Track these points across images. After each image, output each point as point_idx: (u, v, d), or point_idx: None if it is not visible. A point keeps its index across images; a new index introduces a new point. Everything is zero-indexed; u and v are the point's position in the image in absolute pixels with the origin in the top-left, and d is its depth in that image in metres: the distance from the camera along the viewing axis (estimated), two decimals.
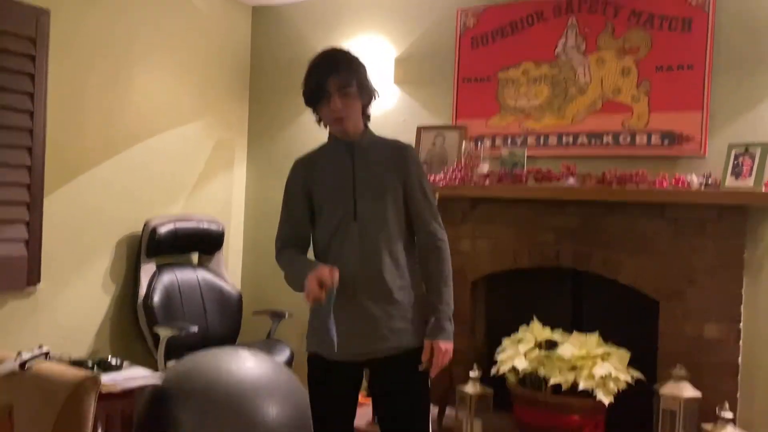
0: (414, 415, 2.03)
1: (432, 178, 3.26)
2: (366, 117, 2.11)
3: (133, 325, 3.38)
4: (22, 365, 2.21)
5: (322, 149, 2.14)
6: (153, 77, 3.55)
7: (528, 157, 3.18)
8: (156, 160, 3.57)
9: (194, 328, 3.18)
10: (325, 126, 2.09)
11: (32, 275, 2.94)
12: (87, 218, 3.23)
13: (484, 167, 3.22)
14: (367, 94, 2.05)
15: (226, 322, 3.66)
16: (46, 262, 3.01)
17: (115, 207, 3.36)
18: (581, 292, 3.20)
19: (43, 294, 3.03)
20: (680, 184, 2.76)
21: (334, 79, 1.96)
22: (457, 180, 3.18)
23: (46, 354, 2.30)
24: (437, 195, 3.10)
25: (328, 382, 2.08)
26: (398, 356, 1.99)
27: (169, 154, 3.64)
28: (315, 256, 2.09)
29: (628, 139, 3.07)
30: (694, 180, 2.76)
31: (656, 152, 3.00)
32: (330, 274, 1.89)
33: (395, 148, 2.10)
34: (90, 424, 2.16)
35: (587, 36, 3.18)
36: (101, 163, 3.30)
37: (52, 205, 3.05)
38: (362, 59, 2.07)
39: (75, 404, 2.12)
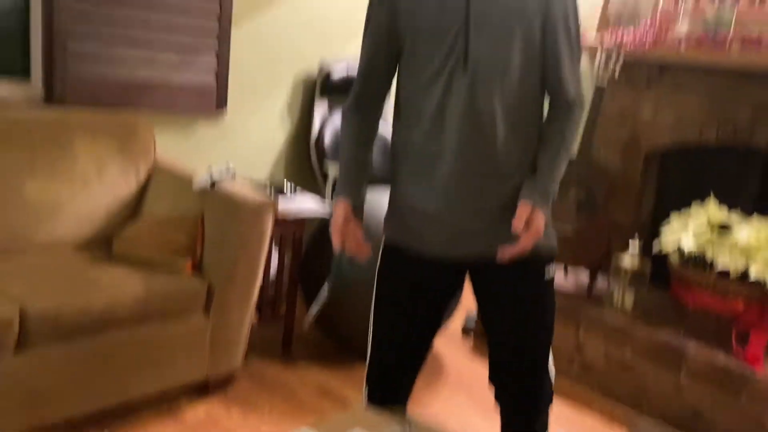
0: (535, 338, 1.56)
1: (620, 35, 3.00)
2: None
3: (305, 159, 3.59)
4: (212, 185, 2.46)
5: None
6: None
7: (737, 19, 2.80)
8: (334, 1, 3.59)
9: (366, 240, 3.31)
10: None
11: (220, 103, 3.17)
12: (268, 54, 3.37)
13: (683, 28, 2.89)
14: None
15: (388, 166, 3.78)
16: (231, 93, 3.22)
17: (294, 45, 3.46)
18: None
19: (228, 120, 3.28)
20: None
21: None
22: (647, 41, 2.90)
23: (232, 172, 2.53)
24: (620, 56, 2.86)
25: (407, 283, 1.57)
26: (518, 262, 1.47)
27: None
28: (396, 117, 1.52)
29: None
30: None
31: None
32: (342, 237, 1.44)
33: None
34: (268, 240, 2.40)
35: None
36: (284, 0, 3.38)
37: (237, 39, 3.21)
38: None
39: (256, 221, 2.35)
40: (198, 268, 2.40)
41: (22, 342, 1.94)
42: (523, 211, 1.40)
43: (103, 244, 2.51)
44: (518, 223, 1.39)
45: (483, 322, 1.63)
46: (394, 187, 1.58)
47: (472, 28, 1.35)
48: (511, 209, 1.42)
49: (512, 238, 1.43)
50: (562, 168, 1.47)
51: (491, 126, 1.40)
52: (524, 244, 1.40)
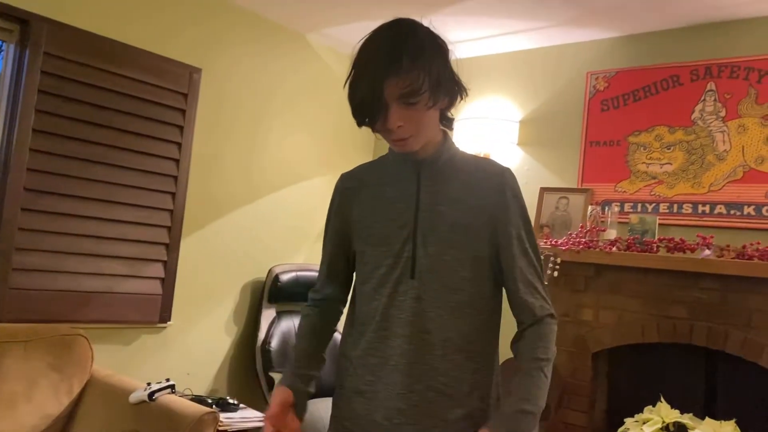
0: None
1: (554, 242, 3.18)
2: (446, 122, 1.41)
3: (251, 367, 3.48)
4: (151, 396, 2.34)
5: (378, 164, 1.48)
6: (285, 133, 3.76)
7: (659, 225, 3.03)
8: (283, 211, 3.74)
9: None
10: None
11: (165, 312, 3.13)
12: (217, 262, 3.42)
13: (611, 233, 3.10)
14: (446, 94, 1.32)
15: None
16: (177, 300, 3.20)
17: (243, 253, 3.53)
18: (716, 374, 2.95)
19: (173, 330, 3.21)
20: None
21: (394, 81, 1.24)
22: (580, 245, 3.08)
23: (172, 387, 2.42)
24: (558, 260, 3.01)
25: None
26: None
27: (296, 206, 3.80)
28: (345, 327, 1.48)
29: None
30: None
31: None
32: (275, 425, 1.29)
33: (486, 171, 1.40)
34: None
35: (727, 102, 3.03)
36: (233, 211, 3.50)
37: (187, 248, 3.26)
38: (438, 38, 1.32)
39: None
40: None
41: None
42: None
43: None
44: None
45: None
46: (335, 405, 1.46)
47: (420, 239, 1.33)
48: None
49: None
50: (540, 387, 1.29)
51: (440, 339, 1.31)
52: None
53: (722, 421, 2.60)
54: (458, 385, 1.33)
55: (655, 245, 2.93)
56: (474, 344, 1.35)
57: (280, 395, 1.35)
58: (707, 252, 2.79)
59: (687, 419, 2.66)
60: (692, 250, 2.86)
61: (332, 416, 1.47)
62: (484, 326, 1.37)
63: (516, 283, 1.36)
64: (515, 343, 1.38)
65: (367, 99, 1.26)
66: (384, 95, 1.25)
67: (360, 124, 1.33)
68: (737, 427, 2.57)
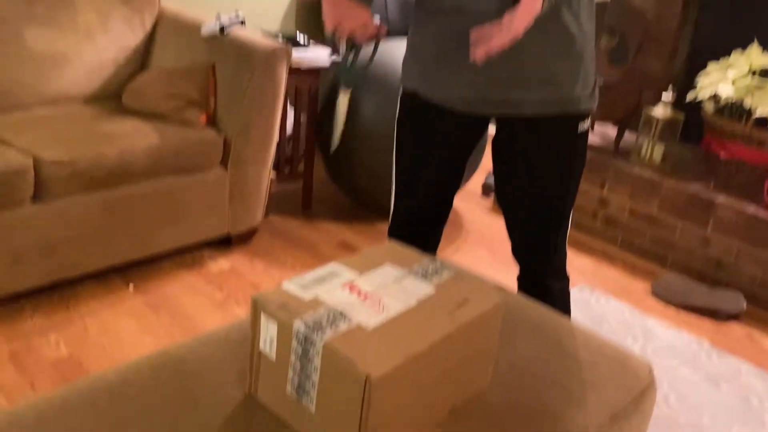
0: (554, 209, 1.44)
1: None
2: None
3: (317, 15, 3.39)
4: (222, 30, 2.31)
5: None
6: None
7: None
8: None
9: (377, 19, 3.13)
10: None
11: None
12: None
13: None
14: None
15: (406, 20, 3.57)
16: None
17: None
18: None
19: None
20: None
21: None
22: None
23: (242, 21, 2.38)
24: None
25: (426, 132, 1.44)
26: (550, 117, 1.33)
27: None
28: None
29: None
30: None
31: None
32: (338, 16, 1.22)
33: None
34: (283, 89, 2.29)
35: None
36: None
37: None
38: None
39: (269, 69, 2.23)
40: (212, 120, 2.31)
41: (39, 192, 1.90)
42: None
43: (112, 98, 2.42)
44: None
45: (500, 183, 1.48)
46: (415, 28, 1.39)
47: None
48: (546, 57, 1.28)
49: (543, 91, 1.30)
50: None
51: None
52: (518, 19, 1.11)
53: None
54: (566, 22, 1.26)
55: None
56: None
57: None
58: None
59: None
60: None
61: (408, 46, 1.41)
62: None
63: None
64: None
65: None
66: None
67: None
68: None
